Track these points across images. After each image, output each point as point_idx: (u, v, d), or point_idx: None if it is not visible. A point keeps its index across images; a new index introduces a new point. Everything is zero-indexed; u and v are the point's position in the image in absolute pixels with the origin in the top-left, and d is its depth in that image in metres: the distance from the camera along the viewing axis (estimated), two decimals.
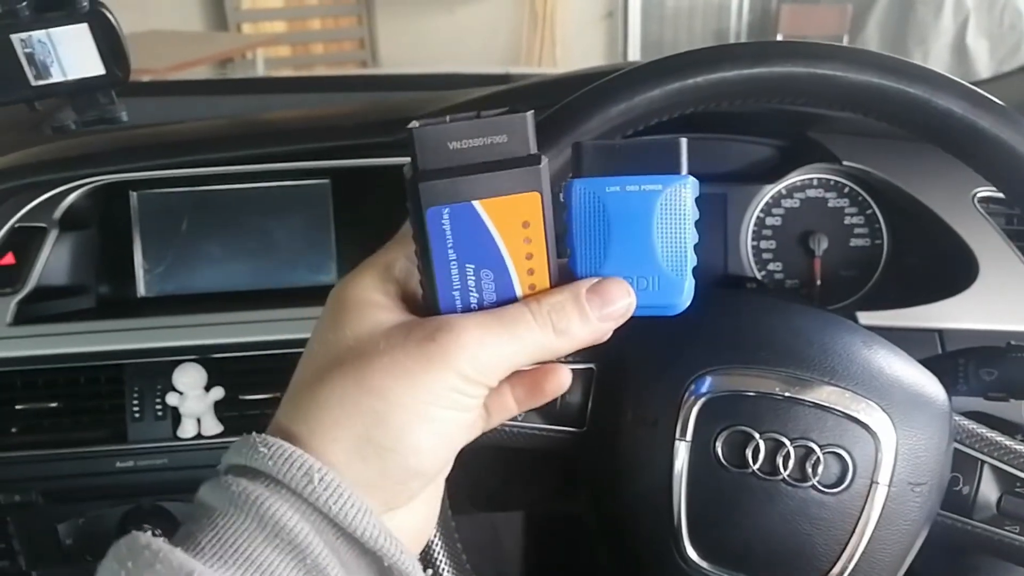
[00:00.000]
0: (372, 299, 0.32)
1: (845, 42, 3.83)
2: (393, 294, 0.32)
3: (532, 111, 0.30)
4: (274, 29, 4.50)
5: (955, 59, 3.62)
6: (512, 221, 0.30)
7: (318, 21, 4.61)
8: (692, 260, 0.32)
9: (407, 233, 0.32)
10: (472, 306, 0.31)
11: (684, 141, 0.32)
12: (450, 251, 0.30)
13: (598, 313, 0.32)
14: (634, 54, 4.42)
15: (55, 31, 0.69)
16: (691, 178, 0.32)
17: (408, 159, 0.30)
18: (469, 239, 0.30)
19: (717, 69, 0.47)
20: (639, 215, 0.32)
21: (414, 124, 0.29)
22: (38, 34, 0.69)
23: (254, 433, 0.30)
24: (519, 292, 0.31)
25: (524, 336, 0.30)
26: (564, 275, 0.32)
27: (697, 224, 0.32)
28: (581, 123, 0.48)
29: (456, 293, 0.31)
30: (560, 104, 0.48)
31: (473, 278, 0.31)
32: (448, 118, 0.29)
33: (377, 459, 0.29)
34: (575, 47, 4.42)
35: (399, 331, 0.30)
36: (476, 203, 0.29)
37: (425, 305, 0.32)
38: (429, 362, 0.29)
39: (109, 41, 0.71)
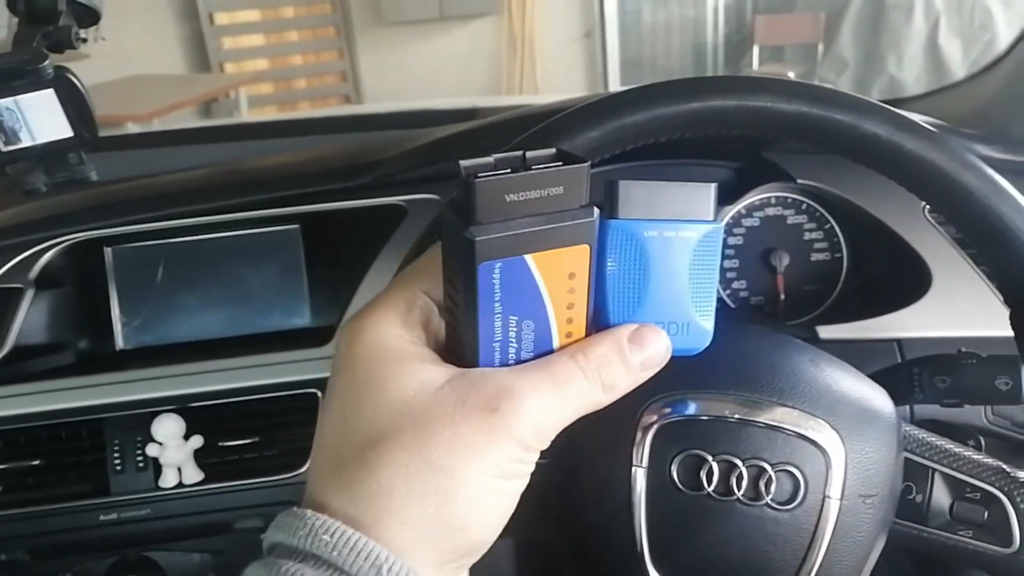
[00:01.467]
0: (404, 350, 0.30)
1: (820, 50, 3.89)
2: (420, 339, 0.31)
3: (589, 163, 0.29)
4: (256, 67, 4.55)
5: (929, 60, 3.66)
6: (559, 273, 0.30)
7: (300, 57, 4.66)
8: (715, 301, 0.33)
9: (424, 269, 0.32)
10: (509, 357, 0.30)
11: (714, 187, 0.32)
12: (496, 304, 0.29)
13: (639, 363, 0.31)
14: (614, 72, 4.47)
15: (22, 98, 0.71)
16: (721, 225, 0.32)
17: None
18: (516, 292, 0.29)
19: (653, 106, 0.49)
20: (676, 260, 0.31)
21: (464, 163, 0.28)
22: (5, 101, 0.71)
23: (309, 512, 0.28)
24: (556, 341, 0.31)
25: (576, 396, 0.30)
26: (592, 319, 0.32)
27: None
28: None
29: (496, 345, 0.30)
30: (504, 149, 0.50)
31: (515, 329, 0.30)
32: (494, 159, 0.29)
33: (448, 539, 0.28)
34: (555, 68, 4.47)
35: (453, 395, 0.29)
36: (528, 257, 0.29)
37: (458, 354, 0.31)
38: (493, 434, 0.28)
39: (76, 104, 0.73)
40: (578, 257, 0.30)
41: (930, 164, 0.47)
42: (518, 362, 0.31)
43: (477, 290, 0.29)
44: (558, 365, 0.30)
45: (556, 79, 4.42)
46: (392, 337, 0.30)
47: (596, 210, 0.29)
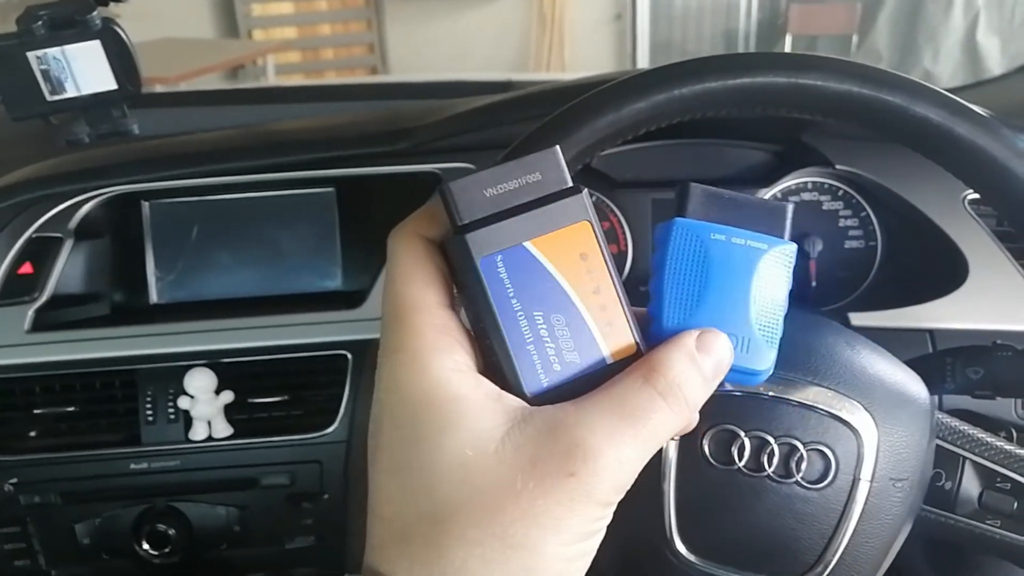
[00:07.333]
0: (452, 391, 0.27)
1: (854, 41, 3.84)
2: (467, 365, 0.28)
3: (559, 146, 0.30)
4: (284, 35, 4.55)
5: (966, 57, 3.61)
6: (569, 256, 0.29)
7: (328, 27, 4.65)
8: (780, 330, 0.31)
9: (431, 283, 0.29)
10: (551, 361, 0.29)
11: (791, 207, 0.31)
12: (513, 300, 0.28)
13: (711, 371, 0.29)
14: (643, 56, 4.43)
15: (69, 48, 0.72)
16: (794, 245, 0.31)
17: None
18: (530, 284, 0.28)
19: (701, 80, 0.49)
20: (740, 269, 0.30)
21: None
22: (53, 51, 0.72)
23: None
24: (596, 332, 0.29)
25: (659, 430, 0.27)
26: (640, 320, 0.31)
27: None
28: (571, 134, 0.50)
29: (531, 348, 0.28)
30: (550, 116, 0.50)
31: (545, 326, 0.28)
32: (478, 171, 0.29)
33: None
34: (584, 49, 4.43)
35: (518, 456, 0.26)
36: (528, 244, 0.28)
37: (501, 374, 0.29)
38: (572, 502, 0.26)
39: (121, 57, 0.73)
40: (582, 235, 0.29)
41: (981, 151, 0.46)
42: (563, 365, 0.29)
43: (487, 289, 0.28)
44: (632, 396, 0.27)
45: (584, 60, 4.38)
46: (436, 374, 0.27)
47: (585, 189, 0.29)
